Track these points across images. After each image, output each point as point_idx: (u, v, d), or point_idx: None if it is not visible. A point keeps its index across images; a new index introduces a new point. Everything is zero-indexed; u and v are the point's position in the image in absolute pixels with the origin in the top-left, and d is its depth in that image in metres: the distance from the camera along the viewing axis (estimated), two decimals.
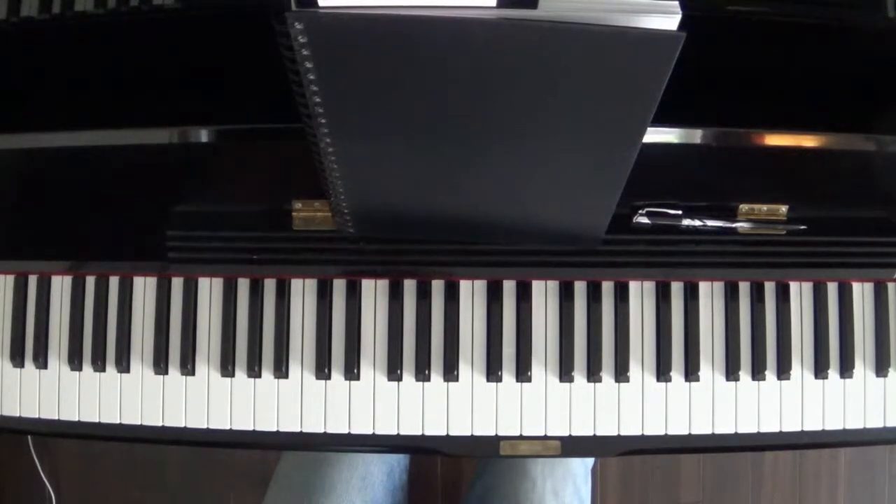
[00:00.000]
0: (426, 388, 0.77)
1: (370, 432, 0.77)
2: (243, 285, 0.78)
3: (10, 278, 0.79)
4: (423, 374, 0.76)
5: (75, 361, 0.78)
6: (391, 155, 0.60)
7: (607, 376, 0.76)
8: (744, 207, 0.74)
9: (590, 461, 0.95)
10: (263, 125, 0.71)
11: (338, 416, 0.77)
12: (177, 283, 0.78)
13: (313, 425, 0.77)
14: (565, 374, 0.76)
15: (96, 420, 0.78)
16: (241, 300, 0.78)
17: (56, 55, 0.76)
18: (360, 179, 0.63)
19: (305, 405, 0.77)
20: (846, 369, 0.77)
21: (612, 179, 0.61)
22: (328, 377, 0.77)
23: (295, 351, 0.77)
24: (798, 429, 0.77)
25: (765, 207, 0.74)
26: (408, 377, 0.77)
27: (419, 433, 0.76)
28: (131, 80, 0.74)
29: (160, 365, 0.77)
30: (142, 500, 1.49)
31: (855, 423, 0.77)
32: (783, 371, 0.77)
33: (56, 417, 0.78)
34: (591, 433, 0.76)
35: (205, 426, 0.77)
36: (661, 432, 0.76)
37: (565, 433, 0.76)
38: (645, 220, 0.73)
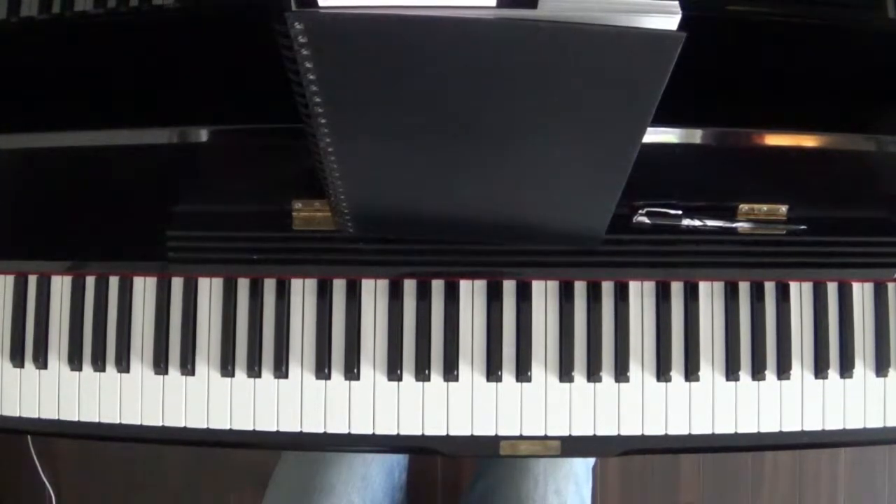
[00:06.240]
0: (426, 388, 0.77)
1: (370, 432, 0.77)
2: (243, 285, 0.78)
3: (10, 278, 0.79)
4: (423, 374, 0.76)
5: (75, 361, 0.78)
6: (391, 155, 0.60)
7: (607, 376, 0.76)
8: (744, 207, 0.74)
9: (591, 460, 0.95)
10: (263, 125, 0.71)
11: (337, 417, 0.77)
12: (177, 283, 0.78)
13: (313, 425, 0.77)
14: (565, 374, 0.76)
15: (96, 420, 0.78)
16: (241, 300, 0.78)
17: (56, 55, 0.76)
18: (360, 179, 0.63)
19: (305, 405, 0.77)
20: (846, 369, 0.77)
21: (613, 179, 0.61)
22: (328, 377, 0.77)
23: (295, 351, 0.77)
24: (798, 429, 0.77)
25: (765, 207, 0.74)
26: (408, 377, 0.77)
27: (419, 433, 0.76)
28: (131, 80, 0.74)
29: (160, 365, 0.77)
30: (142, 501, 1.49)
31: (855, 423, 0.77)
32: (783, 371, 0.76)
33: (56, 417, 0.78)
34: (591, 433, 0.76)
35: (205, 426, 0.77)
36: (661, 432, 0.76)
37: (565, 433, 0.76)
38: (645, 220, 0.73)
